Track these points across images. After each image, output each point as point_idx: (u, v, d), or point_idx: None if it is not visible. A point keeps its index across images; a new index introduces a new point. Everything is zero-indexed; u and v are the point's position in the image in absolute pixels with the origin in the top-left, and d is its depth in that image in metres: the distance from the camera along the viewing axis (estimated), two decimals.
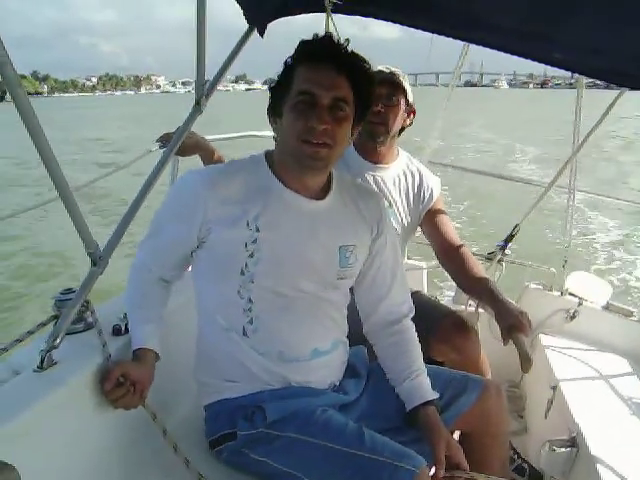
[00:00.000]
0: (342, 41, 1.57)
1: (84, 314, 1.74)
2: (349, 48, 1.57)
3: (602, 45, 1.70)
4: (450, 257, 2.44)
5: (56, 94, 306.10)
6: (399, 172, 2.47)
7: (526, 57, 2.05)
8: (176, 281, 1.78)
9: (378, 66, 2.33)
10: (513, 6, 1.74)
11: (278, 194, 1.62)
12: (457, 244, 2.44)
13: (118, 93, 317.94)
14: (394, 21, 2.26)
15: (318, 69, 1.53)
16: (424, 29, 2.22)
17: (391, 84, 2.32)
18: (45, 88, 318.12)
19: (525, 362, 1.95)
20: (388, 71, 2.34)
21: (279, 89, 1.58)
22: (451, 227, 2.51)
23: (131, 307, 1.73)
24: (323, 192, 1.70)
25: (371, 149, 2.39)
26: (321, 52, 1.54)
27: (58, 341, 1.53)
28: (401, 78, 2.34)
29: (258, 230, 1.57)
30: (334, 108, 1.52)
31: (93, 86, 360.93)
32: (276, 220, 1.60)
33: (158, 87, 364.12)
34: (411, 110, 2.42)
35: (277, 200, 1.62)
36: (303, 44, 1.56)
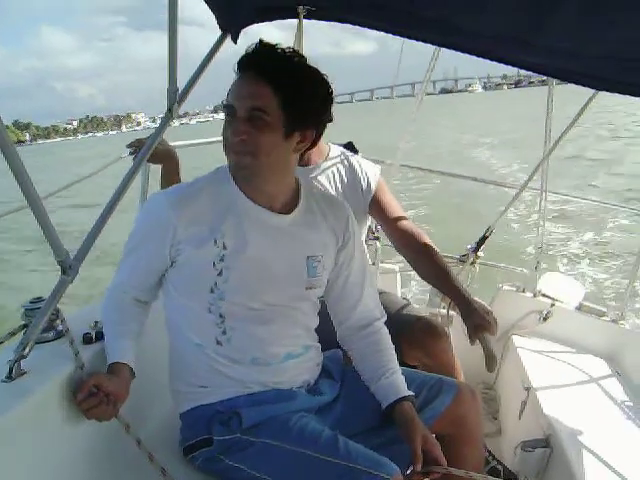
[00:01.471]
0: (286, 47, 1.55)
1: (54, 323, 1.71)
2: (285, 50, 1.53)
3: (576, 49, 1.71)
4: (406, 244, 2.41)
5: (39, 141, 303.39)
6: (332, 168, 2.43)
7: (500, 62, 2.07)
8: (153, 301, 1.77)
9: None
10: (487, 12, 1.75)
11: (244, 209, 1.62)
12: (411, 230, 2.40)
13: (100, 134, 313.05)
14: (367, 26, 2.26)
15: (240, 79, 1.53)
16: (398, 34, 2.22)
17: None
18: (27, 136, 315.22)
19: (490, 361, 2.00)
20: None
21: None
22: (400, 212, 2.47)
23: (108, 324, 1.71)
24: (291, 203, 1.70)
25: None
26: (243, 61, 1.52)
27: (27, 350, 1.50)
28: None
29: (225, 248, 1.58)
30: (252, 118, 1.50)
31: (74, 129, 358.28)
32: (243, 237, 1.60)
33: (139, 124, 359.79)
34: None
35: (243, 216, 1.62)
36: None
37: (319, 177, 2.39)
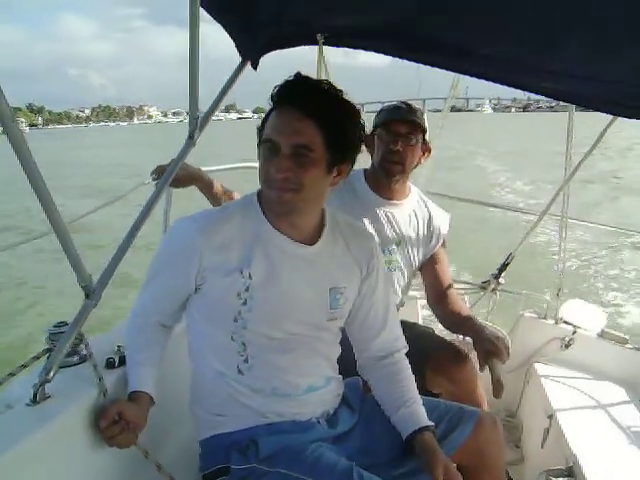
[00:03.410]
0: (324, 76, 1.55)
1: (78, 347, 1.72)
2: (325, 86, 1.54)
3: (592, 74, 1.72)
4: (442, 302, 2.48)
5: (50, 126, 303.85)
6: (410, 210, 2.46)
7: (517, 87, 2.07)
8: (176, 325, 1.78)
9: (395, 101, 2.37)
10: (503, 37, 1.76)
11: (270, 240, 1.61)
12: (450, 291, 2.48)
13: (112, 124, 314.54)
14: (385, 53, 2.29)
15: (282, 115, 1.51)
16: (415, 61, 2.24)
17: (411, 123, 2.30)
18: (40, 120, 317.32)
19: (497, 388, 1.99)
20: (406, 107, 2.33)
21: (259, 133, 1.57)
22: (448, 273, 2.53)
23: (130, 350, 1.71)
24: (316, 233, 1.69)
25: (385, 185, 2.39)
26: (286, 96, 1.51)
27: (51, 375, 1.50)
28: (422, 116, 2.34)
29: (251, 277, 1.57)
30: (296, 155, 1.48)
31: (87, 117, 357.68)
32: (269, 268, 1.60)
33: (150, 117, 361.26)
34: (427, 148, 2.41)
35: (269, 246, 1.61)
36: (276, 88, 1.54)
37: (396, 215, 2.42)
